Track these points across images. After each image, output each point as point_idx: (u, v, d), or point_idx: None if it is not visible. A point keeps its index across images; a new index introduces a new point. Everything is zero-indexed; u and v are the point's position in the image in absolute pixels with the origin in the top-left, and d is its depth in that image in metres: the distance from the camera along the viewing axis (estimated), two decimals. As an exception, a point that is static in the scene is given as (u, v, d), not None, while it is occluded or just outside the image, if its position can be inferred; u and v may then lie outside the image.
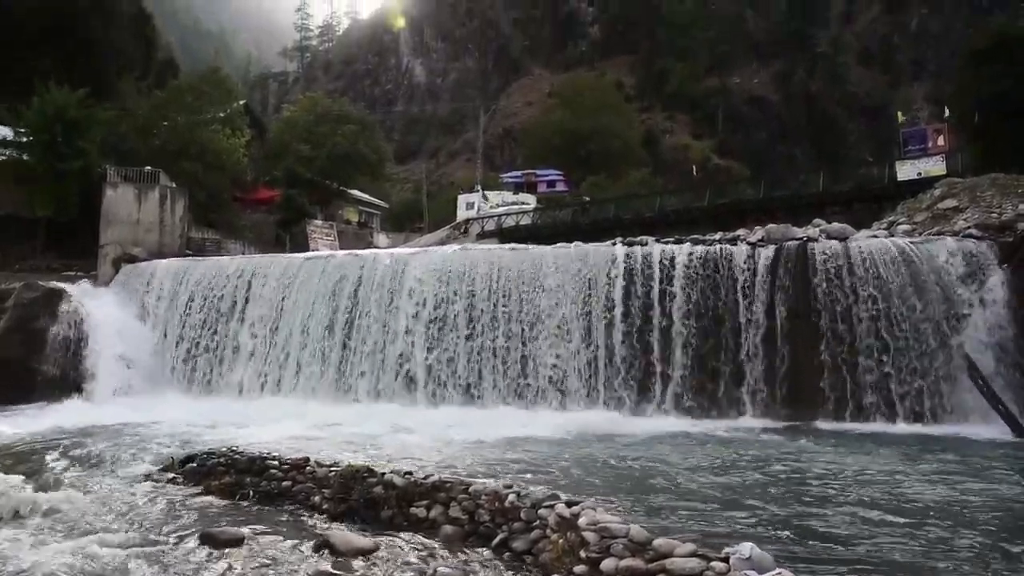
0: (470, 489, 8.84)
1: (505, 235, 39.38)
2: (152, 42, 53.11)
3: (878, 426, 16.77)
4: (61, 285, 24.26)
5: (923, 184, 27.24)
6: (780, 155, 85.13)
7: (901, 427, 16.65)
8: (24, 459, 13.13)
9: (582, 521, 7.20)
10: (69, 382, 22.16)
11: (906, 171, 29.87)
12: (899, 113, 57.36)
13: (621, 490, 10.20)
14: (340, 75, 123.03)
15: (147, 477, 11.62)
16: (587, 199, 47.61)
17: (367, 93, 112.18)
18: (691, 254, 19.62)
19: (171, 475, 11.59)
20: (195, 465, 11.61)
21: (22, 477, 11.26)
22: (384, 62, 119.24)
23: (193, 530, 8.89)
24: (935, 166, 28.97)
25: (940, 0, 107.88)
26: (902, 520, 8.64)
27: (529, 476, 10.58)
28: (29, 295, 23.36)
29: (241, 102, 44.13)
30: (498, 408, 18.95)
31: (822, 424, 17.06)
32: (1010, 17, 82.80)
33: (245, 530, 8.72)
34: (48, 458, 13.03)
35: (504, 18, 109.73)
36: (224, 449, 11.80)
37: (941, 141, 31.46)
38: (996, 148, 28.69)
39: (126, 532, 8.97)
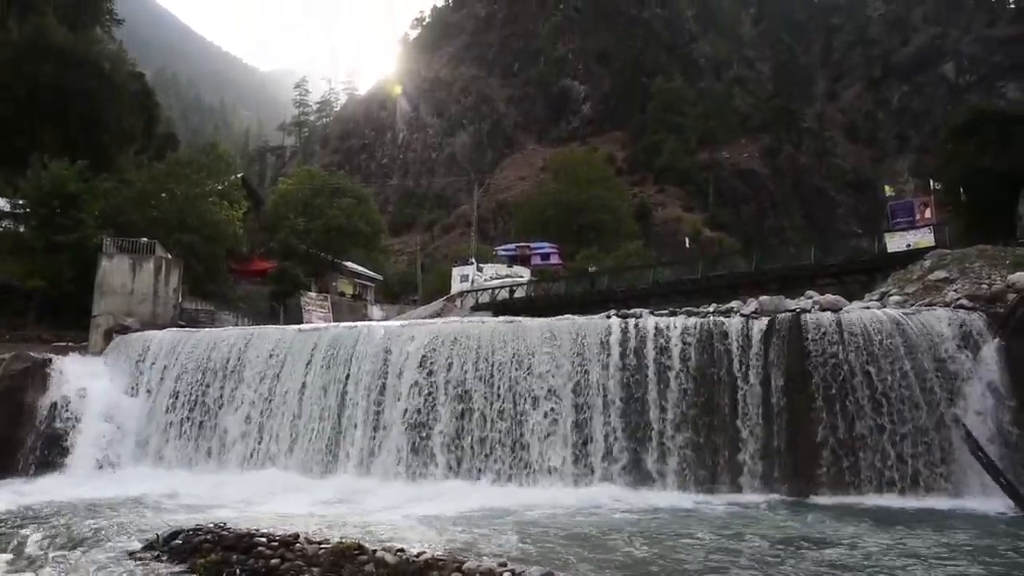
0: (464, 567, 8.62)
1: (499, 308, 39.45)
2: (153, 117, 54.19)
3: (877, 499, 16.49)
4: (51, 356, 24.03)
5: (912, 256, 27.57)
6: (770, 227, 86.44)
7: (901, 500, 16.36)
8: (3, 536, 12.76)
9: (579, 601, 6.99)
10: (55, 455, 21.72)
11: (895, 243, 30.22)
12: (886, 187, 58.45)
13: (619, 569, 9.95)
14: (337, 149, 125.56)
15: (130, 555, 11.28)
16: (593, 268, 47.83)
17: (363, 167, 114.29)
18: (685, 327, 19.62)
19: (155, 553, 11.24)
20: (180, 542, 11.28)
21: None
22: (380, 137, 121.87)
23: (177, 612, 8.59)
24: (923, 238, 29.35)
25: (919, 79, 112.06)
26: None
27: (524, 554, 10.33)
28: (18, 366, 23.09)
29: (239, 175, 44.74)
30: (491, 483, 18.60)
31: (821, 498, 16.78)
32: (986, 96, 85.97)
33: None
34: (29, 535, 12.66)
35: (498, 95, 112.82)
36: (211, 525, 11.51)
37: (928, 213, 31.91)
38: (981, 220, 29.25)
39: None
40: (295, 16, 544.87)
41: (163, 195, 35.60)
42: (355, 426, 20.53)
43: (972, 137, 31.46)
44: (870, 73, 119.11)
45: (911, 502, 16.26)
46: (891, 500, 16.44)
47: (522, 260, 60.31)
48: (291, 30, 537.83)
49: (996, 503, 15.70)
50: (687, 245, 60.26)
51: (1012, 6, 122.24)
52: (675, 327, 19.66)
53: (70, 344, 26.75)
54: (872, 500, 16.47)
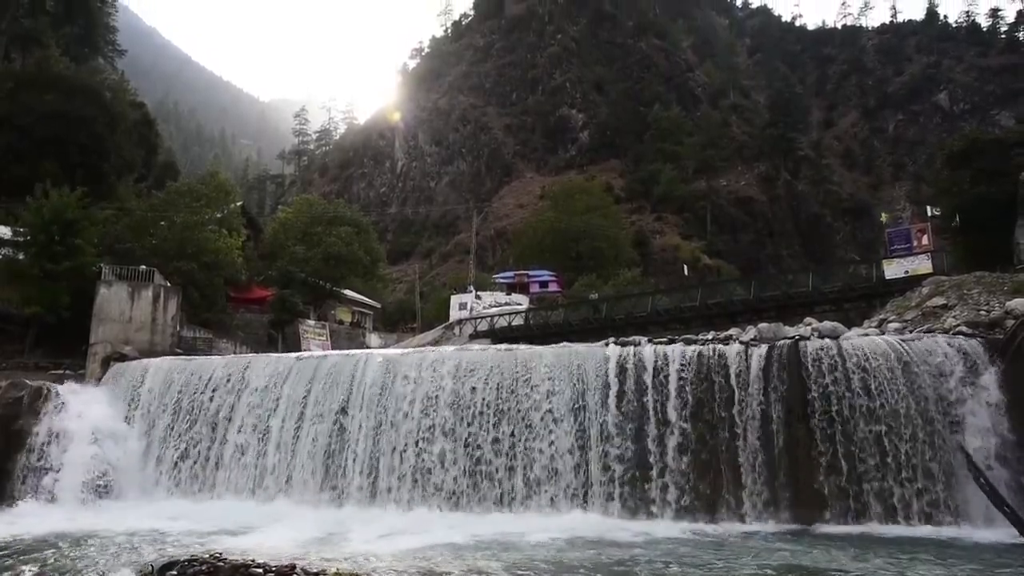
0: (462, 598, 8.48)
1: (497, 335, 39.34)
2: (154, 146, 54.56)
3: (881, 528, 16.34)
4: (47, 384, 23.88)
5: (910, 282, 27.58)
6: (768, 254, 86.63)
7: (905, 529, 16.22)
8: (-5, 568, 12.58)
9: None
10: (49, 484, 21.48)
11: (893, 270, 30.25)
12: (883, 214, 58.73)
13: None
14: (336, 178, 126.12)
15: (124, 587, 11.12)
16: (595, 295, 47.79)
17: (362, 195, 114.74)
18: (684, 354, 19.54)
19: (149, 584, 11.08)
20: (175, 573, 11.10)
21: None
22: (379, 165, 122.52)
23: (170, 644, 8.43)
24: (921, 265, 29.39)
25: (914, 108, 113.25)
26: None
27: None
28: (14, 394, 22.94)
29: (238, 203, 44.86)
30: (489, 512, 18.42)
31: (823, 527, 16.62)
32: (980, 124, 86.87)
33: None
34: (19, 567, 12.48)
35: (496, 124, 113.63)
36: (206, 555, 11.33)
37: (925, 240, 31.99)
38: (978, 247, 29.34)
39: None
40: (296, 47, 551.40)
41: (162, 223, 35.67)
42: (354, 455, 20.38)
43: (968, 164, 31.66)
44: (865, 102, 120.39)
45: (915, 531, 16.11)
46: (894, 529, 16.28)
47: (521, 288, 60.21)
48: (292, 60, 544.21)
49: (1000, 531, 15.54)
50: (685, 273, 60.25)
51: (1004, 36, 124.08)
52: (674, 355, 19.59)
53: (67, 372, 26.60)
54: (876, 529, 16.31)
